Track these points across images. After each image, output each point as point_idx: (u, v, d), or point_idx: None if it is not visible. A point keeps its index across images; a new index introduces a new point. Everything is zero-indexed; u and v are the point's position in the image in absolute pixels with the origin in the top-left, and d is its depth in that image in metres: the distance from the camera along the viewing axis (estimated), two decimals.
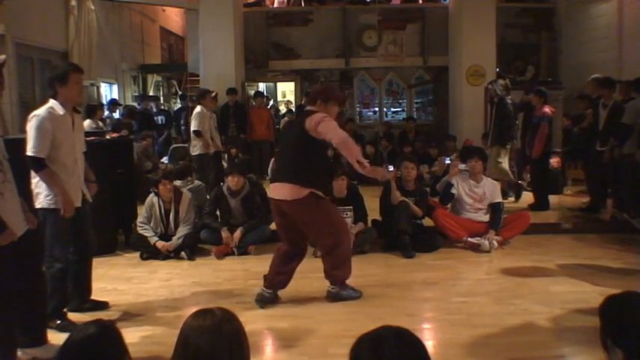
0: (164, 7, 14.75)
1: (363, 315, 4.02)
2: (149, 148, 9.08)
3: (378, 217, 6.16)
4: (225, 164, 9.23)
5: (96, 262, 4.47)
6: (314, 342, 3.63)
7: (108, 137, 6.41)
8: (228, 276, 5.14)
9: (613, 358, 1.77)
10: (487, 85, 9.09)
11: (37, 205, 3.75)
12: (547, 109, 7.34)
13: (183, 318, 1.83)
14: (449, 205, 6.20)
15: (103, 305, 4.30)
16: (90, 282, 4.26)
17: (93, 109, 8.53)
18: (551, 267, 5.20)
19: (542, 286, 4.68)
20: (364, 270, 5.03)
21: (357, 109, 12.96)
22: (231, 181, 5.99)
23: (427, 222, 6.10)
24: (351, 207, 5.76)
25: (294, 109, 11.98)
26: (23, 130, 4.04)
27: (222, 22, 10.72)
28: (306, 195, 4.06)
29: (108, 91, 11.87)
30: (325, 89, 4.61)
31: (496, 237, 5.83)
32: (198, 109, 8.19)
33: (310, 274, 4.94)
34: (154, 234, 5.75)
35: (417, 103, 13.07)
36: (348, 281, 4.41)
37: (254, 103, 11.28)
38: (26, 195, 3.65)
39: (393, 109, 13.10)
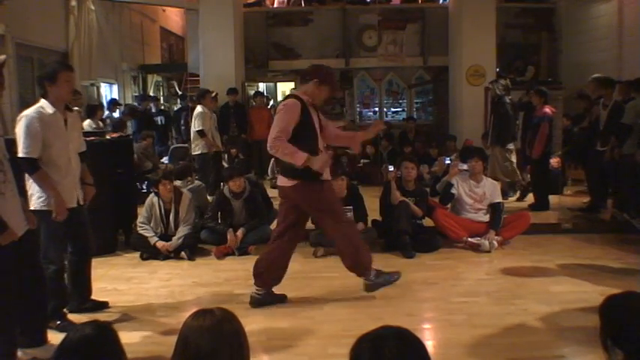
0: (164, 7, 14.74)
1: (363, 315, 4.02)
2: (149, 148, 9.08)
3: (378, 217, 6.16)
4: (225, 164, 9.24)
5: (96, 262, 4.47)
6: (314, 342, 3.63)
7: (108, 137, 6.40)
8: (228, 276, 5.14)
9: (613, 358, 1.77)
10: (488, 86, 9.10)
11: (31, 207, 3.70)
12: (547, 109, 7.34)
13: (183, 318, 1.83)
14: (449, 205, 6.20)
15: (103, 305, 4.30)
16: (90, 282, 4.26)
17: (93, 109, 8.52)
18: (551, 267, 5.21)
19: (542, 286, 4.67)
20: None
21: (357, 109, 12.96)
22: (233, 185, 6.00)
23: (427, 222, 6.10)
24: (351, 207, 5.76)
25: None
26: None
27: (222, 22, 10.72)
28: (293, 185, 4.06)
29: (108, 91, 11.87)
30: (325, 72, 4.31)
31: (496, 237, 5.83)
32: (199, 108, 8.21)
33: (310, 274, 4.96)
34: (154, 234, 5.75)
35: (417, 103, 13.07)
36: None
37: (254, 103, 11.29)
38: (26, 195, 3.65)
39: (393, 109, 13.10)
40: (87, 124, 7.92)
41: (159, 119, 11.25)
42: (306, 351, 3.50)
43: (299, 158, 3.90)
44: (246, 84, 11.83)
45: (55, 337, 3.50)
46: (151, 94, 13.47)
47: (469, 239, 5.83)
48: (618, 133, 6.52)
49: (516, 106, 8.19)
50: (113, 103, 10.70)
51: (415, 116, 12.42)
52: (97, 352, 1.75)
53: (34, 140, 3.64)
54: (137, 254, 5.79)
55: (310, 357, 3.43)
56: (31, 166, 3.67)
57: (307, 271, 5.15)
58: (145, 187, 8.50)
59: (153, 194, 5.94)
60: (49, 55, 8.87)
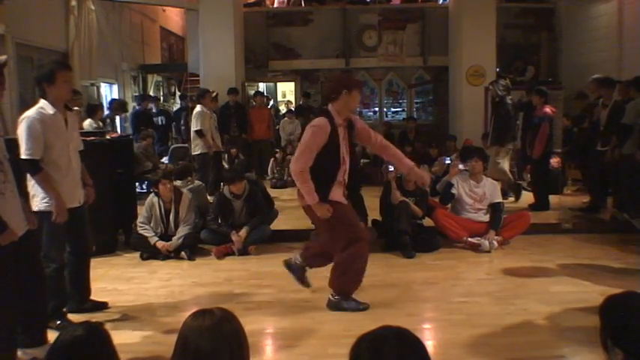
0: (164, 7, 14.73)
1: (363, 315, 4.02)
2: (149, 148, 9.08)
3: (378, 217, 6.16)
4: (225, 164, 9.24)
5: (96, 262, 4.48)
6: (314, 342, 3.63)
7: (108, 137, 6.40)
8: (228, 276, 5.14)
9: (613, 358, 1.76)
10: (488, 86, 9.09)
11: (34, 208, 3.72)
12: (548, 109, 7.34)
13: (183, 318, 1.83)
14: (449, 205, 6.20)
15: (102, 306, 4.30)
16: (88, 282, 4.26)
17: (93, 108, 8.52)
18: (551, 267, 5.21)
19: (542, 286, 4.67)
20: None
21: (357, 109, 12.94)
22: (234, 188, 6.00)
23: (427, 222, 6.11)
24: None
25: (294, 109, 11.98)
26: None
27: (222, 22, 10.72)
28: (307, 204, 4.05)
29: (108, 91, 11.86)
30: (345, 78, 4.35)
31: (496, 237, 5.83)
32: (198, 108, 8.19)
33: (310, 274, 4.94)
34: (154, 234, 5.75)
35: (417, 103, 13.07)
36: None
37: (254, 103, 11.29)
38: (26, 195, 3.65)
39: (393, 109, 13.10)
40: (88, 123, 7.92)
41: (159, 119, 11.24)
42: (306, 351, 3.50)
43: (310, 199, 3.96)
44: (246, 84, 11.84)
45: (55, 337, 3.50)
46: (151, 94, 13.46)
47: (469, 239, 5.83)
48: (619, 133, 6.52)
49: (516, 106, 8.19)
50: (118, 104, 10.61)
51: (415, 116, 12.42)
52: (88, 353, 1.75)
53: (36, 141, 3.64)
54: (137, 254, 5.79)
55: (310, 357, 3.43)
56: (34, 167, 3.67)
57: (307, 271, 5.15)
58: (145, 187, 8.51)
59: (153, 194, 5.94)
60: (49, 55, 8.86)
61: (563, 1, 12.01)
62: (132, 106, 11.77)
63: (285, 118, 11.46)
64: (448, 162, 8.20)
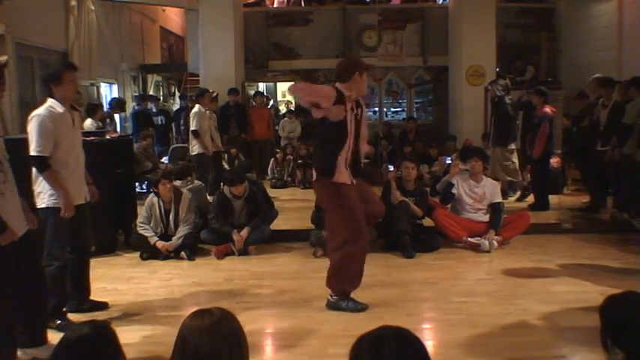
0: (164, 7, 14.73)
1: (363, 315, 4.02)
2: (149, 148, 9.08)
3: None
4: (225, 164, 9.24)
5: (96, 262, 4.48)
6: (314, 342, 3.62)
7: (108, 137, 6.40)
8: (228, 276, 5.13)
9: (613, 358, 1.77)
10: (487, 86, 9.09)
11: (41, 205, 3.76)
12: (548, 109, 7.34)
13: (183, 318, 1.83)
14: (449, 205, 6.20)
15: (102, 305, 4.30)
16: (88, 282, 4.26)
17: (94, 108, 8.52)
18: (551, 267, 5.21)
19: (542, 286, 4.67)
20: (364, 270, 5.02)
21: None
22: (235, 190, 5.99)
23: (427, 222, 6.10)
24: None
25: (294, 109, 11.98)
26: (23, 130, 4.03)
27: (222, 22, 10.72)
28: (316, 179, 4.14)
29: (108, 91, 11.86)
30: (357, 61, 4.46)
31: (496, 237, 5.82)
32: (195, 108, 8.09)
33: (310, 274, 4.95)
34: (153, 234, 5.74)
35: (417, 103, 13.06)
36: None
37: (254, 103, 11.29)
38: (27, 195, 3.65)
39: (393, 109, 13.09)
40: (89, 123, 7.91)
41: (158, 119, 11.24)
42: (306, 351, 3.50)
43: (313, 94, 3.98)
44: (246, 84, 11.83)
45: (55, 337, 3.50)
46: (151, 94, 13.46)
47: (469, 239, 5.83)
48: (619, 133, 6.52)
49: (515, 106, 8.19)
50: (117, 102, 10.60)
51: (415, 116, 12.42)
52: (94, 352, 1.74)
53: (46, 139, 3.69)
54: (137, 254, 5.79)
55: (310, 357, 3.43)
56: (42, 164, 3.71)
57: (307, 271, 5.15)
58: (144, 187, 8.51)
59: (153, 194, 5.94)
60: (49, 55, 8.86)
61: (563, 1, 12.00)
62: (132, 106, 11.77)
63: (285, 118, 11.46)
64: (448, 162, 8.21)
